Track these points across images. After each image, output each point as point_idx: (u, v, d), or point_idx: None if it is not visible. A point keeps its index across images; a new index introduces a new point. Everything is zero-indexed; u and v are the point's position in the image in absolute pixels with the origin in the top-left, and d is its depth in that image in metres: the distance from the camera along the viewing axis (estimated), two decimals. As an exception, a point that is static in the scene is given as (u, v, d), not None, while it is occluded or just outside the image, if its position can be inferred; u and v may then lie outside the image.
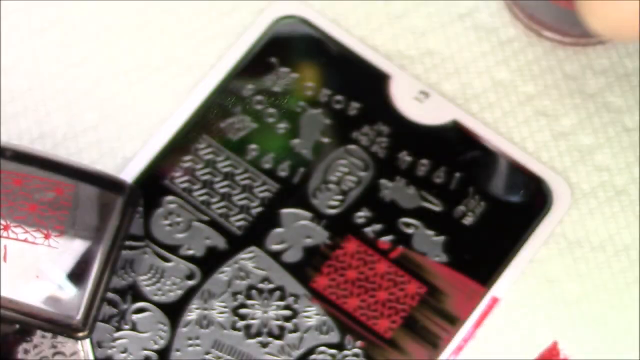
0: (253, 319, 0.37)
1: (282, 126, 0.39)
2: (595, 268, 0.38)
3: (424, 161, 0.39)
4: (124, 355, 0.37)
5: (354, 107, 0.39)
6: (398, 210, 0.38)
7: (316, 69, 0.40)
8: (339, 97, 0.39)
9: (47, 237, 0.34)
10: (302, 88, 0.40)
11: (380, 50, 0.40)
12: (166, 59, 0.40)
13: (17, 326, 0.36)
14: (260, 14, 0.40)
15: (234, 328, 0.37)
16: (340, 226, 0.38)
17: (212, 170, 0.39)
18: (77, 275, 0.35)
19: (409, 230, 0.38)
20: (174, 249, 0.38)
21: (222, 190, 0.38)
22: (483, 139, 0.39)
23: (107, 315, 0.37)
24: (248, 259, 0.38)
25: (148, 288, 0.38)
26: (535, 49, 0.40)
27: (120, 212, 0.35)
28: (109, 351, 0.37)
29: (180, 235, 0.38)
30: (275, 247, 0.38)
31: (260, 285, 0.38)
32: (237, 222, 0.38)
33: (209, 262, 0.38)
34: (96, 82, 0.40)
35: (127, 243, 0.37)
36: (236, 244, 0.38)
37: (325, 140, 0.39)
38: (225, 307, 0.37)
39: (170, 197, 0.38)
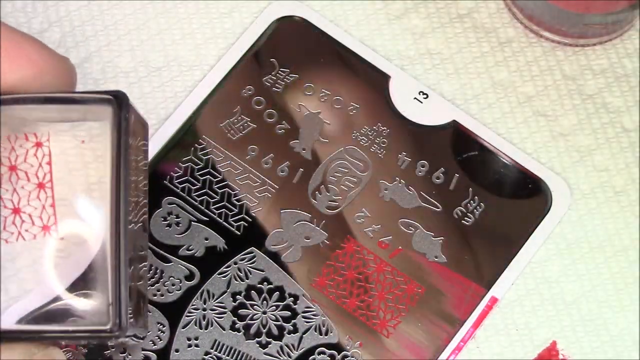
0: (252, 319, 0.37)
1: (282, 126, 0.39)
2: (594, 269, 0.38)
3: (424, 162, 0.39)
4: (123, 355, 0.37)
5: (354, 107, 0.39)
6: (397, 211, 0.38)
7: (316, 69, 0.40)
8: (338, 97, 0.39)
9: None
10: (302, 88, 0.40)
11: (380, 51, 0.40)
12: (166, 59, 0.40)
13: None
14: (260, 14, 0.40)
15: (234, 328, 0.37)
16: (339, 226, 0.38)
17: (212, 170, 0.39)
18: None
19: (409, 231, 0.38)
20: (173, 249, 0.38)
21: (222, 191, 0.38)
22: (483, 139, 0.39)
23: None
24: (247, 259, 0.38)
25: (147, 288, 0.37)
26: (534, 49, 0.40)
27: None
28: (109, 351, 0.37)
29: (179, 236, 0.38)
30: (275, 247, 0.38)
31: (260, 286, 0.38)
32: (236, 223, 0.38)
33: (209, 262, 0.38)
34: (96, 82, 0.40)
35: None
36: (235, 244, 0.38)
37: (325, 140, 0.39)
38: (224, 307, 0.37)
39: (169, 198, 0.38)
